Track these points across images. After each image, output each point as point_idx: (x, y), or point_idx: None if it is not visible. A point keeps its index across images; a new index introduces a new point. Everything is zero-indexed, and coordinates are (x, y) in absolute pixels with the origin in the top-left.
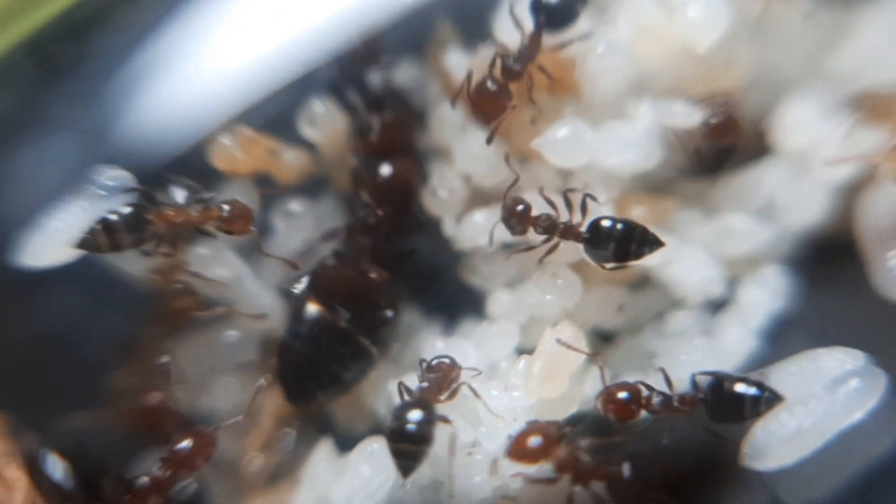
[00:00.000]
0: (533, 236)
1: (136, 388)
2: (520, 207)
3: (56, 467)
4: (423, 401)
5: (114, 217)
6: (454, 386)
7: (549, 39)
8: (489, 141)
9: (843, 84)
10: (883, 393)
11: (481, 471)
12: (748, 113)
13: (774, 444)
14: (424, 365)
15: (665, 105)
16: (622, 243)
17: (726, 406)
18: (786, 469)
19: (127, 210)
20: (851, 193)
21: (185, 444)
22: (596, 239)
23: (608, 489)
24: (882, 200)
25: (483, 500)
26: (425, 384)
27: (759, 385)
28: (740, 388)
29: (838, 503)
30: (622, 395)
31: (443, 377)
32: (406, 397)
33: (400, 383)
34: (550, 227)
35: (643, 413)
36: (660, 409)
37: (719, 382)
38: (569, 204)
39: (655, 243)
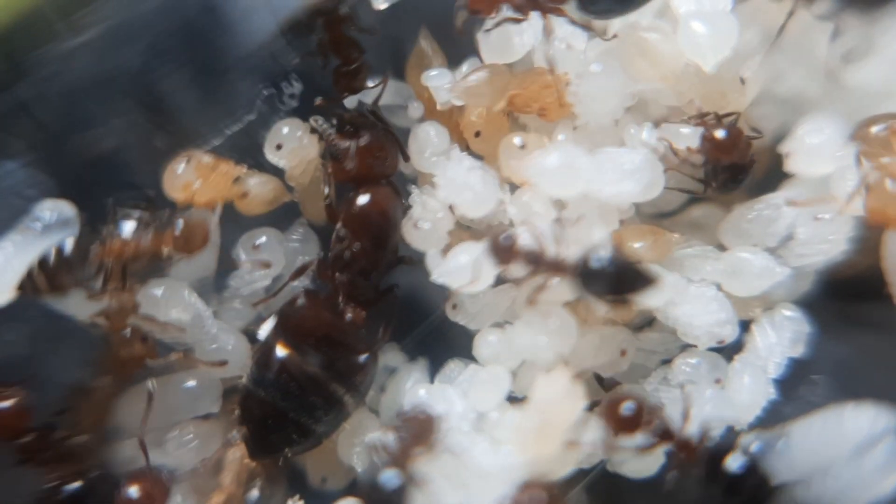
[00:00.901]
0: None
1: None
2: (509, 240)
3: None
4: (397, 460)
5: (52, 255)
6: (432, 439)
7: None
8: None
9: (868, 102)
10: None
11: None
12: (764, 136)
13: None
14: (399, 416)
15: (669, 126)
16: (616, 279)
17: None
18: None
19: (67, 246)
20: (876, 220)
21: (134, 491)
22: (588, 276)
23: None
24: None
25: None
26: (402, 438)
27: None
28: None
29: None
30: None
31: (419, 431)
32: (380, 456)
33: (369, 441)
34: (536, 262)
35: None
36: (658, 440)
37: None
38: (558, 236)
39: (651, 279)
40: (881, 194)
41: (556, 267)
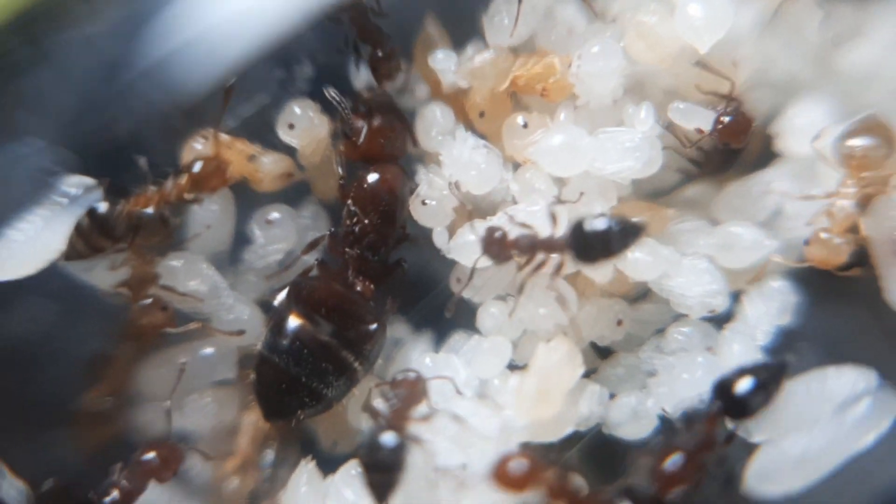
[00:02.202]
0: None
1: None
2: (497, 235)
3: (12, 488)
4: (394, 424)
5: (85, 220)
6: (423, 400)
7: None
8: None
9: (857, 86)
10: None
11: (468, 496)
12: (755, 116)
13: (779, 468)
14: (390, 381)
15: (672, 104)
16: (605, 240)
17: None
18: (791, 496)
19: (101, 207)
20: (864, 203)
21: (150, 455)
22: (579, 244)
23: None
24: (889, 210)
25: None
26: (393, 403)
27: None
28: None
29: None
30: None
31: (410, 393)
32: (377, 422)
33: (367, 406)
34: (532, 248)
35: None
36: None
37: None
38: (552, 218)
39: (638, 229)
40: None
41: (551, 246)
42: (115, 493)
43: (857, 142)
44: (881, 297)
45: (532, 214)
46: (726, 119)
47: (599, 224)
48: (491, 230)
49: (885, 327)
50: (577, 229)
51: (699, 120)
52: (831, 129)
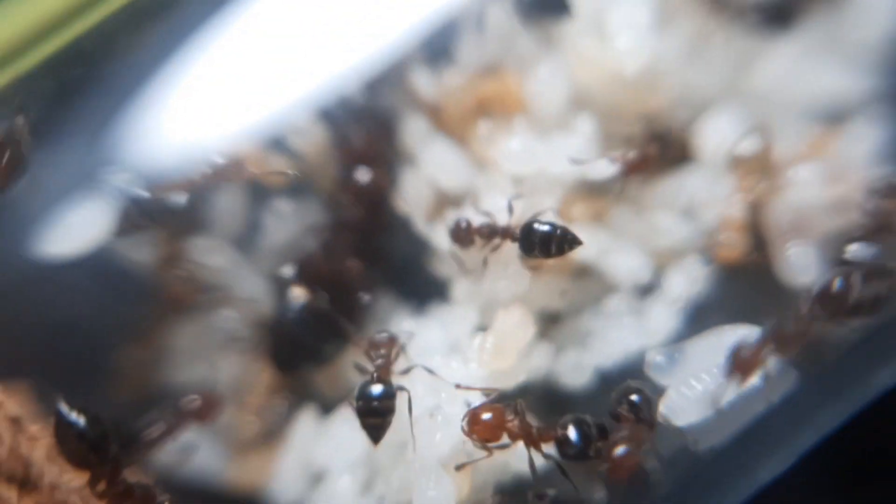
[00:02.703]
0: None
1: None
2: (463, 225)
3: (72, 417)
4: (381, 377)
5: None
6: (401, 355)
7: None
8: None
9: (756, 101)
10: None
11: (441, 430)
12: (674, 126)
13: (685, 404)
14: (369, 342)
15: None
16: (546, 243)
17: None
18: (693, 425)
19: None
20: (757, 195)
21: (194, 400)
22: (525, 240)
23: (558, 449)
24: (783, 202)
25: (442, 455)
26: (379, 361)
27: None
28: (545, 227)
29: (735, 446)
30: (486, 415)
31: (389, 351)
32: (366, 376)
33: (355, 364)
34: (492, 234)
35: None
36: (518, 436)
37: (529, 224)
38: (511, 210)
39: (574, 242)
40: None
41: (506, 234)
42: (159, 425)
43: (745, 152)
44: (772, 272)
45: (492, 206)
46: (631, 156)
47: (545, 228)
48: (458, 221)
49: (773, 296)
50: (527, 227)
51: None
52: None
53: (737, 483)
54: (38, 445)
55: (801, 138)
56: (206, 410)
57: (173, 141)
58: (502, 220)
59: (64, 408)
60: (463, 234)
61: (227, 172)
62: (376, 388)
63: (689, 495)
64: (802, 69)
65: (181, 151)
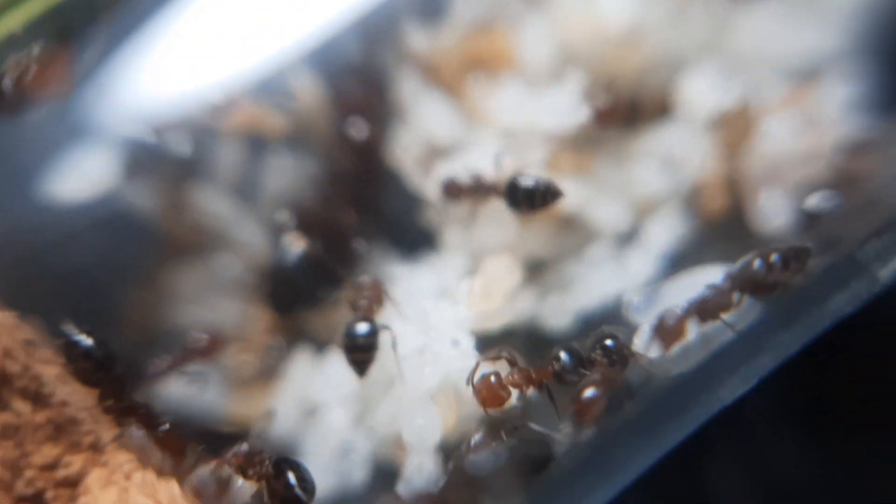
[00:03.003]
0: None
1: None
2: (453, 183)
3: (80, 337)
4: (366, 316)
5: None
6: (385, 297)
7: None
8: None
9: (734, 59)
10: None
11: (429, 365)
12: (656, 83)
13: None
14: (354, 285)
15: None
16: (530, 197)
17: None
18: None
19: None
20: (733, 148)
21: (201, 337)
22: (511, 195)
23: (555, 379)
24: (756, 151)
25: (430, 388)
26: (364, 302)
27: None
28: (530, 181)
29: (699, 371)
30: (491, 382)
31: (373, 294)
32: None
33: (349, 302)
34: (479, 190)
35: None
36: (521, 384)
37: (514, 179)
38: (498, 165)
39: (556, 194)
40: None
41: (493, 189)
42: (166, 359)
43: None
44: (744, 221)
45: (482, 160)
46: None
47: (529, 182)
48: (447, 179)
49: (745, 241)
50: (512, 183)
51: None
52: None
53: (700, 405)
54: (50, 367)
55: (777, 93)
56: (211, 348)
57: (173, 88)
58: (489, 175)
59: (71, 328)
60: (452, 191)
61: (225, 114)
62: (360, 326)
63: (655, 418)
64: (779, 27)
65: (181, 98)
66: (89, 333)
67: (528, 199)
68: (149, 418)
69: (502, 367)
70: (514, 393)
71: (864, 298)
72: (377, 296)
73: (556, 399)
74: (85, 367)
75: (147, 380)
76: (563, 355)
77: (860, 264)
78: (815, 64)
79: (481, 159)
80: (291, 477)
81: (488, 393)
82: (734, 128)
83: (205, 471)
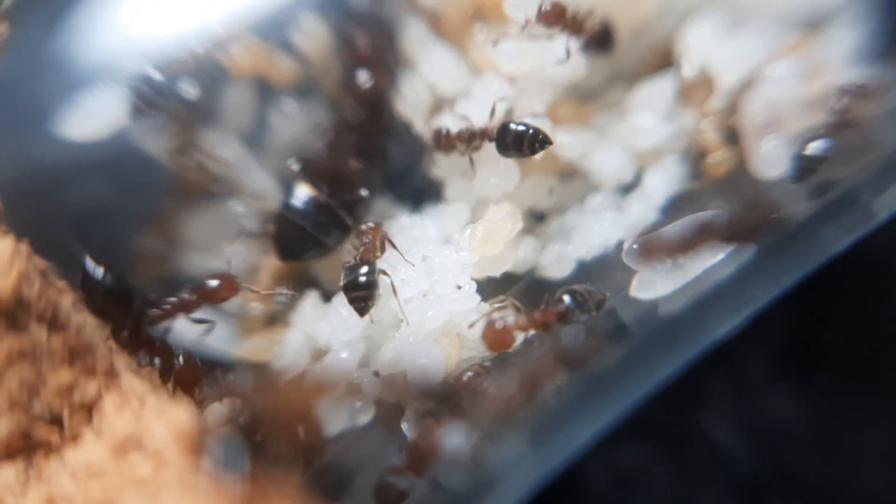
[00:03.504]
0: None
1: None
2: (443, 132)
3: (97, 270)
4: (364, 259)
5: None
6: (385, 241)
7: None
8: None
9: (737, 7)
10: None
11: (433, 307)
12: (660, 34)
13: (656, 279)
14: (356, 232)
15: None
16: (519, 142)
17: (511, 141)
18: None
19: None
20: (736, 96)
21: (214, 282)
22: (501, 140)
23: (560, 320)
24: (758, 100)
25: (433, 329)
26: (363, 248)
27: (535, 128)
28: (520, 126)
29: (692, 308)
30: (498, 327)
31: (373, 238)
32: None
33: (344, 263)
34: (471, 137)
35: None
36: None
37: (504, 124)
38: (493, 112)
39: (545, 141)
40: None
41: (483, 135)
42: (174, 299)
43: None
44: (746, 168)
45: (482, 110)
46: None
47: (519, 128)
48: (437, 130)
49: (745, 189)
50: (502, 128)
51: None
52: None
53: (693, 340)
54: (66, 296)
55: (781, 41)
56: (223, 291)
57: (178, 26)
58: (481, 122)
59: (90, 262)
60: (443, 141)
61: (231, 51)
62: (360, 267)
63: (647, 354)
64: None
65: (187, 35)
66: (108, 268)
67: (517, 144)
68: (164, 351)
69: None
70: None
71: (858, 233)
72: (378, 239)
73: None
74: (103, 300)
75: (160, 317)
76: (566, 298)
77: (853, 196)
78: (822, 12)
79: (482, 108)
80: None
81: (495, 337)
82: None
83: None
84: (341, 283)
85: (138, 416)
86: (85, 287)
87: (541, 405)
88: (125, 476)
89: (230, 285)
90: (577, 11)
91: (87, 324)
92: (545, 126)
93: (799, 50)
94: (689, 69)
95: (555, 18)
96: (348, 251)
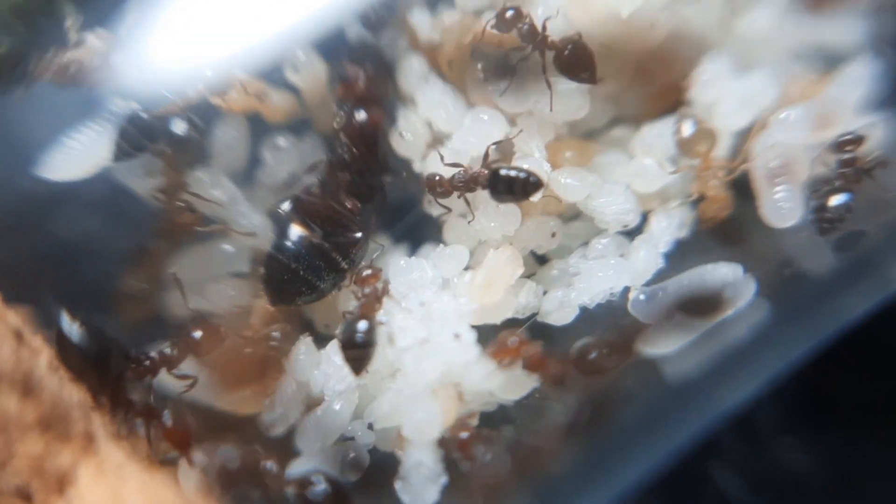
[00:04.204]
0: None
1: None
2: (437, 178)
3: (73, 330)
4: (364, 313)
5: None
6: (382, 286)
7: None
8: None
9: (749, 48)
10: (751, 297)
11: (430, 357)
12: (669, 71)
13: (662, 335)
14: (356, 277)
15: None
16: (511, 187)
17: (503, 186)
18: (672, 352)
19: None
20: (747, 140)
21: (197, 333)
22: (493, 186)
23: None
24: (769, 145)
25: (431, 381)
26: (364, 299)
27: (527, 171)
28: (511, 171)
29: (711, 371)
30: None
31: (373, 289)
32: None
33: (343, 312)
34: (466, 183)
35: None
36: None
37: (495, 170)
38: (486, 157)
39: (538, 185)
40: None
41: (477, 181)
42: (154, 356)
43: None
44: (757, 214)
45: (458, 152)
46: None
47: (510, 173)
48: (431, 177)
49: (758, 236)
50: (493, 175)
51: None
52: None
53: (705, 409)
54: (40, 357)
55: (793, 83)
56: (208, 344)
57: (169, 67)
58: (474, 167)
59: (66, 319)
60: (438, 188)
61: (224, 92)
62: (359, 323)
63: (659, 421)
64: (797, 14)
65: (177, 77)
66: (83, 324)
67: (509, 189)
68: (148, 411)
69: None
70: None
71: (876, 299)
72: (378, 289)
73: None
74: (80, 361)
75: (142, 374)
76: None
77: (872, 265)
78: (836, 53)
79: (480, 147)
80: None
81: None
82: (707, 148)
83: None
84: (339, 338)
85: (115, 489)
86: (60, 348)
87: (547, 477)
88: None
89: (215, 336)
90: (541, 24)
91: (62, 386)
92: (544, 168)
93: (812, 91)
94: (699, 109)
95: (511, 24)
96: (348, 296)
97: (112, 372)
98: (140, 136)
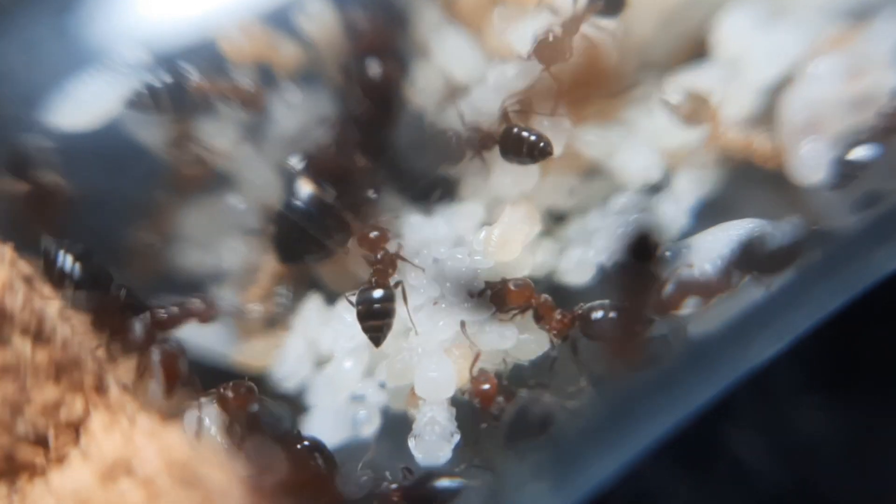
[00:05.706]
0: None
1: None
2: (454, 140)
3: (66, 259)
4: (379, 281)
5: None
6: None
7: None
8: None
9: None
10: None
11: (444, 317)
12: (692, 23)
13: None
14: (360, 237)
15: None
16: (519, 147)
17: (511, 147)
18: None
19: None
20: (774, 94)
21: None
22: (503, 144)
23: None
24: (798, 99)
25: (444, 339)
26: (378, 266)
27: (538, 134)
28: (524, 132)
29: (731, 329)
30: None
31: (385, 255)
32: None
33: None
34: (482, 142)
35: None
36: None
37: (508, 128)
38: (502, 113)
39: (546, 151)
40: None
41: (490, 140)
42: (163, 312)
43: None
44: (783, 173)
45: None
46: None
47: (523, 133)
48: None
49: (782, 193)
50: (506, 131)
51: None
52: None
53: (731, 364)
54: (51, 304)
55: (823, 34)
56: (205, 314)
57: (179, 12)
58: (485, 125)
59: (50, 245)
60: (456, 148)
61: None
62: (375, 293)
63: (682, 377)
64: None
65: (188, 22)
66: (76, 255)
67: (517, 149)
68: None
69: None
70: None
71: None
72: (390, 254)
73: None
74: (69, 290)
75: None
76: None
77: None
78: (866, 3)
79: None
80: None
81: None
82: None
83: None
84: (356, 308)
85: (128, 437)
86: (49, 278)
87: (560, 439)
88: None
89: (211, 310)
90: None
91: (74, 334)
92: (563, 125)
93: (842, 43)
94: (721, 61)
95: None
96: (358, 258)
97: (111, 300)
98: (150, 86)
